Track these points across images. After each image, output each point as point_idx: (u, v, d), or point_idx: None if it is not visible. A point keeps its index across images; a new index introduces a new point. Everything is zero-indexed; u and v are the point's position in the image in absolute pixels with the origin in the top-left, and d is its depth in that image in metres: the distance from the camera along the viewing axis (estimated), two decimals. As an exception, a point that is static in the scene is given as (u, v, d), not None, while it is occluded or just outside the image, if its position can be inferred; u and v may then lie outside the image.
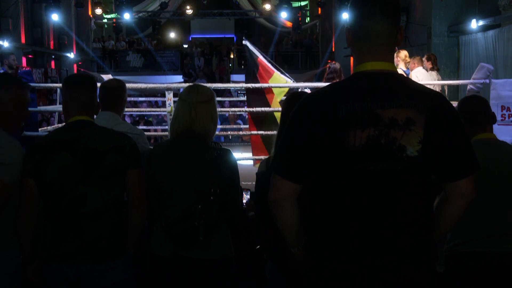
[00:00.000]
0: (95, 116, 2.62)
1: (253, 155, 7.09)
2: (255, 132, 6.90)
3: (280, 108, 6.66)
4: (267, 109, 6.71)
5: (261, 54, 7.06)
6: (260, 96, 6.84)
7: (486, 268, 2.55)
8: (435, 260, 1.85)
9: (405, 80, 1.87)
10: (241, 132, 7.07)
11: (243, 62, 24.27)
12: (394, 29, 1.82)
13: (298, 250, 1.94)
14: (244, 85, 6.91)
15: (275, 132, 6.60)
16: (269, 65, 7.02)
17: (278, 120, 6.73)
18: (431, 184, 1.82)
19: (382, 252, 1.74)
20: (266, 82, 6.85)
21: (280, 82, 6.87)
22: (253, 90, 6.86)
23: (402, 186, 1.75)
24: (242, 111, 6.95)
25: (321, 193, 1.81)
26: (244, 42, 7.11)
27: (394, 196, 1.75)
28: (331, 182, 1.78)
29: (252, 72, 7.01)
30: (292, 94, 2.80)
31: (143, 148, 3.05)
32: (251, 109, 6.77)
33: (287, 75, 7.05)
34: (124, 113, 3.80)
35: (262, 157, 6.88)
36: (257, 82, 6.87)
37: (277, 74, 6.94)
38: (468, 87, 7.05)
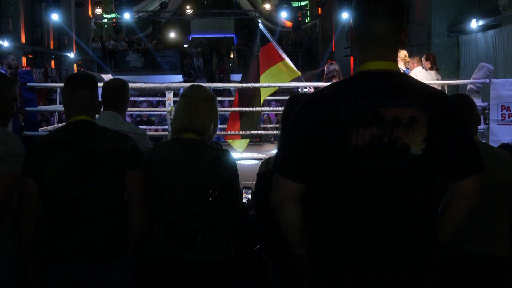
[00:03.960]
0: (96, 116, 2.62)
1: (226, 130, 7.23)
2: (255, 132, 6.91)
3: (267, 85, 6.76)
4: (267, 108, 6.73)
5: (274, 40, 7.13)
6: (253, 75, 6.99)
7: (463, 272, 2.53)
8: (438, 262, 1.83)
9: (408, 79, 1.86)
10: (240, 132, 7.06)
11: (243, 62, 24.27)
12: (398, 30, 1.81)
13: (301, 251, 1.93)
14: (244, 84, 6.92)
15: (256, 109, 6.68)
16: (281, 51, 7.09)
17: (262, 98, 6.88)
18: (435, 185, 1.80)
19: (385, 254, 1.73)
20: (270, 64, 6.94)
21: (290, 69, 6.96)
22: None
23: (406, 186, 1.74)
24: (242, 110, 6.94)
25: (324, 193, 1.81)
26: (259, 24, 7.21)
27: (397, 197, 1.74)
28: (334, 183, 1.78)
29: (255, 56, 7.10)
30: (293, 96, 2.82)
31: (145, 148, 3.04)
32: (251, 109, 6.78)
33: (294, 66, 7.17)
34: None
35: (234, 132, 6.98)
36: (256, 66, 6.99)
37: (286, 61, 7.01)
38: (468, 87, 7.05)
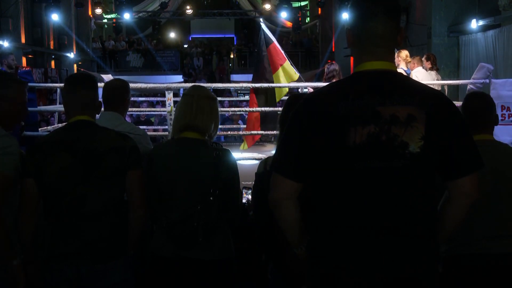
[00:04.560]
0: (97, 116, 2.62)
1: (246, 129, 7.22)
2: (254, 132, 6.91)
3: (279, 85, 6.77)
4: (267, 109, 6.73)
5: (275, 41, 7.13)
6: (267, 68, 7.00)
7: (484, 270, 2.55)
8: (438, 261, 1.84)
9: (406, 79, 1.88)
10: (241, 132, 7.06)
11: (243, 62, 24.28)
12: (395, 30, 1.83)
13: (301, 251, 1.93)
14: (244, 85, 6.94)
15: (273, 109, 6.71)
16: (282, 52, 7.09)
17: (277, 96, 6.89)
18: (434, 183, 1.81)
19: (384, 253, 1.73)
20: (278, 64, 6.95)
21: (290, 72, 6.96)
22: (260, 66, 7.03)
23: (405, 184, 1.75)
24: (242, 111, 6.95)
25: (323, 192, 1.81)
26: (261, 23, 7.22)
27: (396, 195, 1.74)
28: (333, 181, 1.78)
29: (261, 54, 7.12)
30: (292, 96, 2.83)
31: (146, 148, 3.05)
32: (250, 109, 6.78)
33: (295, 67, 7.14)
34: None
35: (254, 132, 6.98)
36: (266, 62, 7.01)
37: (287, 63, 7.01)
38: (468, 87, 7.05)
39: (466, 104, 2.78)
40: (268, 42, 7.09)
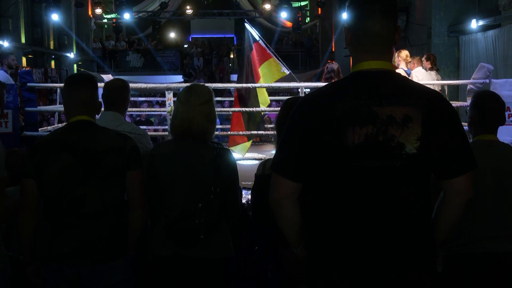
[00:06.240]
0: (97, 116, 2.62)
1: (231, 130, 7.23)
2: (254, 132, 6.92)
3: (265, 84, 6.76)
4: (268, 109, 6.74)
5: (261, 39, 7.13)
6: (249, 74, 7.01)
7: (485, 269, 2.56)
8: (435, 259, 1.85)
9: (403, 79, 1.88)
10: (240, 132, 7.07)
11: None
12: (392, 29, 1.83)
13: (300, 250, 1.94)
14: (244, 85, 6.92)
15: (257, 109, 6.73)
16: (267, 50, 7.08)
17: (260, 99, 6.90)
18: (430, 182, 1.83)
19: (382, 251, 1.75)
20: (258, 66, 6.96)
21: (275, 68, 6.94)
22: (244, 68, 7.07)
23: (401, 183, 1.76)
24: (242, 110, 6.95)
25: (321, 192, 1.83)
26: (246, 23, 7.22)
27: (393, 194, 1.76)
28: (331, 181, 1.79)
29: (246, 56, 7.11)
30: (289, 98, 2.84)
31: (146, 148, 3.05)
32: (251, 109, 6.78)
33: (284, 64, 7.11)
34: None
35: (240, 132, 6.98)
36: (249, 66, 7.00)
37: (273, 59, 7.00)
38: (468, 87, 7.05)
39: (480, 104, 2.75)
40: (253, 40, 7.09)
